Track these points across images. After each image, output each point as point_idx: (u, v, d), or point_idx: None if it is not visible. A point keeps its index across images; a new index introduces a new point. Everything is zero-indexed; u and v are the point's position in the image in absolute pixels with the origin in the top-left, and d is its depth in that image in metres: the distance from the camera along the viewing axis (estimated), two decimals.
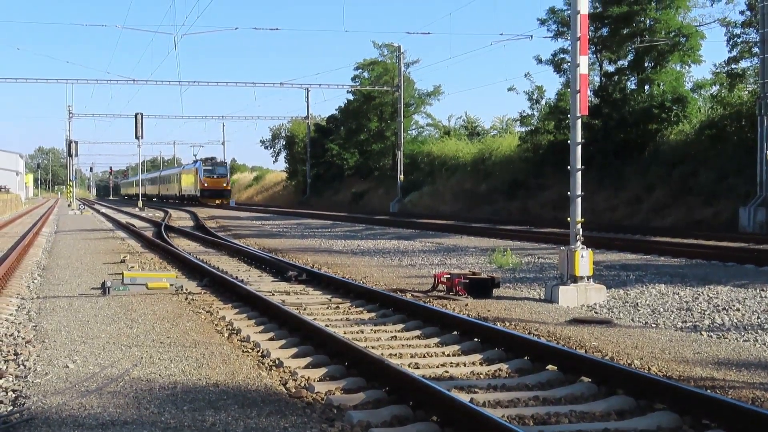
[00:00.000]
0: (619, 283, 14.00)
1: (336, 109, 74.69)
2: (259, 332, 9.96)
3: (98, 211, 58.87)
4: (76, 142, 70.03)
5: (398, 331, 10.01)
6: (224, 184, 77.01)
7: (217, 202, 72.87)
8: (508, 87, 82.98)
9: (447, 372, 7.82)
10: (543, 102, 48.99)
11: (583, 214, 12.48)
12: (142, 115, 57.19)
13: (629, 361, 8.19)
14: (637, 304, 11.96)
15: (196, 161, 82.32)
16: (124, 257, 19.54)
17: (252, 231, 31.52)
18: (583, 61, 12.45)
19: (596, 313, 11.45)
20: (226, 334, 9.73)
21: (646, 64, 42.25)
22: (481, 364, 8.26)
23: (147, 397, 6.72)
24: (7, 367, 7.98)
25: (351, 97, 70.71)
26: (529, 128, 48.98)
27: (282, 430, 5.91)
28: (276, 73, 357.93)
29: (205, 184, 75.43)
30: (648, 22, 41.92)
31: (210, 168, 76.96)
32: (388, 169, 65.29)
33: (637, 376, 6.91)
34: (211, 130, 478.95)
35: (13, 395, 6.90)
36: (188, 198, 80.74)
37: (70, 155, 71.69)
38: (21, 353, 8.55)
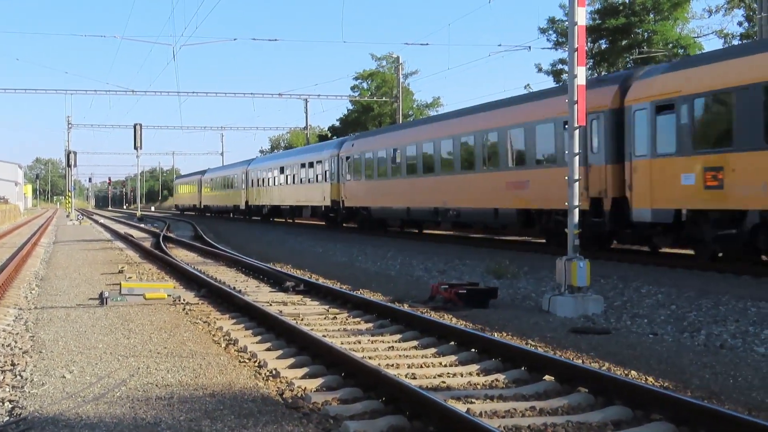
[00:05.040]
0: (617, 293, 13.99)
1: (336, 120, 74.42)
2: (256, 342, 9.95)
3: (96, 222, 58.88)
4: (75, 153, 70.09)
5: (395, 342, 10.01)
6: None
7: None
8: None
9: (444, 382, 7.81)
10: None
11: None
12: (140, 125, 57.19)
13: (626, 372, 8.19)
14: (635, 314, 11.95)
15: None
16: (122, 268, 19.53)
17: (251, 241, 31.49)
18: (581, 72, 12.49)
19: (594, 323, 11.45)
20: (223, 345, 9.72)
21: None
22: (478, 374, 8.26)
23: (143, 407, 6.72)
24: (3, 377, 7.97)
25: (350, 107, 70.80)
26: None
27: None
28: (275, 83, 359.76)
29: None
30: (646, 33, 42.07)
31: None
32: None
33: (634, 386, 6.91)
34: (210, 140, 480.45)
35: (10, 406, 6.90)
36: None
37: (68, 166, 71.57)
38: (18, 363, 8.55)
